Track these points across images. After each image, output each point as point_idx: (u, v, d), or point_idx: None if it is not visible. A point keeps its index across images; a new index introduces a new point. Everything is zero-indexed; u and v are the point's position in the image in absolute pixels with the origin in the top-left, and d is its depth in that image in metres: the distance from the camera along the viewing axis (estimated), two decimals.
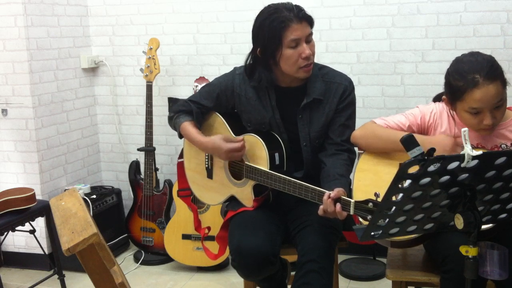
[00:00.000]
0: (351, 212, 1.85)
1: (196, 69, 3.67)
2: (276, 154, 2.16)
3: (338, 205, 1.87)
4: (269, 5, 2.12)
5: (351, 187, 2.11)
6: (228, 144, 2.16)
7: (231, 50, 3.57)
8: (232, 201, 2.31)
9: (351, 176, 2.15)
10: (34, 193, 2.96)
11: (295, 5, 2.09)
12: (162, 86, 3.78)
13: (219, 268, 3.41)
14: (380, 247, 2.68)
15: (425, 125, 2.08)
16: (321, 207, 1.91)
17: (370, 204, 1.78)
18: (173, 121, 2.37)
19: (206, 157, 2.37)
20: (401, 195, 1.44)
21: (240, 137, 2.19)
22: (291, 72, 2.11)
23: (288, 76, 2.15)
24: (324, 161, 2.17)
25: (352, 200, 1.84)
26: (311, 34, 2.10)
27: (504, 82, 1.89)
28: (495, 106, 1.87)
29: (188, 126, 2.30)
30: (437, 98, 2.15)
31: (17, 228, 2.90)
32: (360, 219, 1.91)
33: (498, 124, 1.94)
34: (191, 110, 2.31)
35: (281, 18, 2.04)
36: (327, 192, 1.90)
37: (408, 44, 3.23)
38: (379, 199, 1.77)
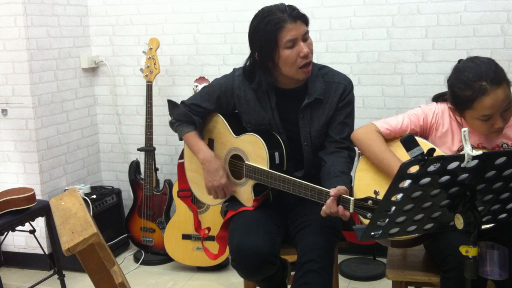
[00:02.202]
0: (351, 210, 1.85)
1: (196, 69, 3.67)
2: (276, 154, 2.16)
3: (341, 206, 1.87)
4: (262, 8, 2.12)
5: (352, 185, 2.12)
6: (226, 182, 2.23)
7: (231, 50, 3.57)
8: (232, 201, 2.32)
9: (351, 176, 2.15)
10: (34, 193, 2.96)
11: (288, 5, 2.09)
12: (162, 86, 3.78)
13: (219, 268, 3.41)
14: (380, 247, 2.68)
15: (427, 125, 2.08)
16: (323, 208, 1.91)
17: (370, 201, 1.79)
18: (175, 127, 2.40)
19: None
20: (401, 195, 1.44)
21: (234, 189, 2.27)
22: (291, 73, 2.11)
23: (288, 77, 2.15)
24: (324, 159, 2.17)
25: (352, 198, 1.85)
26: (307, 32, 2.10)
27: (508, 83, 1.89)
28: (505, 109, 1.88)
29: (194, 137, 2.32)
30: (436, 98, 2.15)
31: (17, 228, 2.90)
32: (360, 218, 1.91)
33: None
34: (193, 121, 2.32)
35: (274, 20, 2.04)
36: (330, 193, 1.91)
37: (408, 44, 3.23)
38: (379, 197, 1.77)
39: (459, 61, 1.99)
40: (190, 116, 2.33)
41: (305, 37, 2.09)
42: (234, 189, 2.27)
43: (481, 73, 1.85)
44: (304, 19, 2.09)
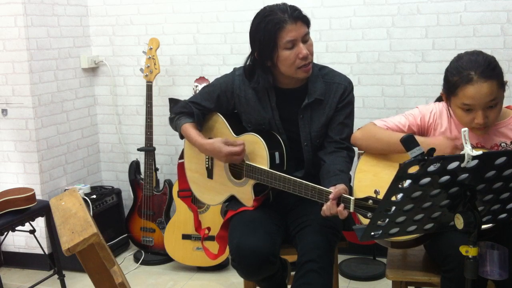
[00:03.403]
0: (351, 210, 1.86)
1: (196, 69, 3.67)
2: (277, 153, 2.16)
3: (342, 206, 1.88)
4: (264, 8, 2.12)
5: (351, 184, 2.12)
6: (228, 147, 2.16)
7: (231, 50, 3.57)
8: (232, 201, 2.32)
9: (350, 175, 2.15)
10: (34, 193, 2.96)
11: (290, 6, 2.08)
12: (162, 86, 3.78)
13: (219, 268, 3.41)
14: (380, 247, 2.68)
15: (425, 126, 2.08)
16: (323, 209, 1.92)
17: (370, 201, 1.79)
18: (174, 122, 2.38)
19: (207, 157, 2.37)
20: (401, 195, 1.44)
21: (240, 141, 2.19)
22: (290, 73, 2.11)
23: (288, 77, 2.15)
24: (323, 158, 2.17)
25: (352, 198, 1.85)
26: (307, 33, 2.10)
27: (501, 83, 1.88)
28: (488, 106, 1.87)
29: (189, 128, 2.30)
30: (439, 99, 2.15)
31: (17, 228, 2.90)
32: (360, 218, 1.91)
33: (492, 125, 1.94)
34: (192, 112, 2.31)
35: (275, 20, 2.03)
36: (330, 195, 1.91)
37: (408, 44, 3.23)
38: (379, 197, 1.77)
39: (464, 52, 2.00)
40: (191, 107, 2.31)
41: (305, 39, 2.08)
42: (241, 143, 2.18)
43: (475, 64, 1.87)
44: (305, 20, 2.08)
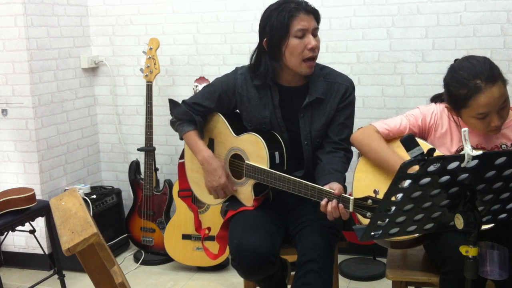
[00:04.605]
0: (351, 209, 1.86)
1: (196, 69, 3.67)
2: (276, 153, 2.17)
3: (341, 206, 1.88)
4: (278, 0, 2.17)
5: (351, 188, 2.12)
6: (225, 182, 2.21)
7: (231, 50, 3.57)
8: (232, 201, 2.32)
9: (351, 177, 2.15)
10: (34, 193, 2.96)
11: (303, 0, 2.15)
12: (162, 86, 3.78)
13: (219, 268, 3.41)
14: (380, 247, 2.68)
15: (426, 126, 2.08)
16: (322, 202, 1.92)
17: (370, 201, 1.79)
18: (176, 126, 2.40)
19: None
20: (401, 195, 1.44)
21: (235, 188, 2.26)
22: (295, 65, 2.12)
23: (291, 71, 2.15)
24: (320, 157, 2.18)
25: (352, 197, 1.85)
26: (317, 29, 2.15)
27: (504, 81, 1.89)
28: (501, 107, 1.88)
29: (194, 136, 2.32)
30: (434, 99, 2.15)
31: (17, 228, 2.90)
32: (360, 218, 1.91)
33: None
34: (194, 120, 2.32)
35: (289, 7, 2.09)
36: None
37: (408, 44, 3.23)
38: (379, 196, 1.77)
39: (455, 60, 1.99)
40: (191, 115, 2.33)
41: (314, 33, 2.13)
42: (235, 188, 2.26)
43: (476, 71, 1.86)
44: (316, 15, 2.15)
